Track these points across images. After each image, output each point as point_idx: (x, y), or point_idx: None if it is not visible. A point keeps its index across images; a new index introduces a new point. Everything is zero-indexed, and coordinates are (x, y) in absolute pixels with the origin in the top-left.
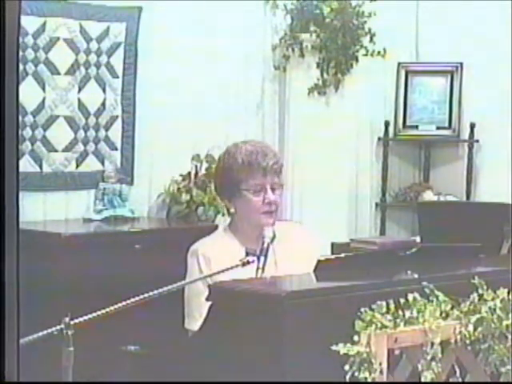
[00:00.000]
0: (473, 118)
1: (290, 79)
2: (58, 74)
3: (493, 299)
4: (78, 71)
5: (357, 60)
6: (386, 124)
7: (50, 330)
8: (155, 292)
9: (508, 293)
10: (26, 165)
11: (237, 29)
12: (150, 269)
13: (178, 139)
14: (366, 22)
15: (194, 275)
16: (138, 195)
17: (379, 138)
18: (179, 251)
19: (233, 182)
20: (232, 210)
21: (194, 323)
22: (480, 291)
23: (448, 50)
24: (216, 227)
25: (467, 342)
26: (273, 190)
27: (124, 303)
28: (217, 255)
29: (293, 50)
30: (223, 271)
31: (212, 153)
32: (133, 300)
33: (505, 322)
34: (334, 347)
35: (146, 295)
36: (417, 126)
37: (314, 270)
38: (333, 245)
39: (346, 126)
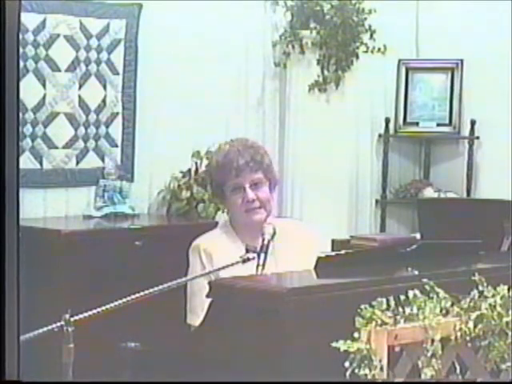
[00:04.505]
0: (473, 115)
1: (291, 76)
2: (59, 70)
3: (493, 296)
4: (78, 68)
5: (357, 57)
6: (387, 121)
7: (50, 327)
8: (155, 289)
9: (508, 290)
10: (27, 161)
11: (237, 26)
12: (151, 265)
13: (178, 136)
14: (366, 18)
15: (196, 271)
16: (138, 192)
17: (379, 135)
18: (179, 248)
19: (215, 184)
20: (226, 210)
21: (197, 319)
22: (480, 288)
23: (448, 47)
24: (216, 224)
25: (467, 338)
26: (254, 186)
27: (124, 300)
28: (218, 251)
29: (293, 46)
30: (223, 268)
31: (212, 150)
32: (133, 297)
33: (505, 319)
34: (334, 344)
35: (146, 292)
36: (417, 123)
37: (315, 267)
38: (333, 241)
39: (346, 123)
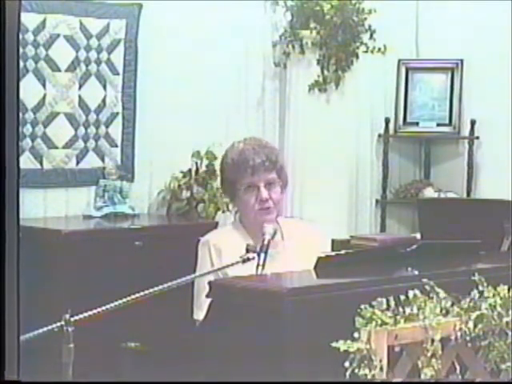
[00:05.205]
0: (473, 115)
1: (291, 76)
2: (59, 70)
3: (493, 296)
4: (78, 68)
5: (357, 57)
6: (387, 121)
7: (50, 327)
8: (155, 289)
9: (508, 290)
10: (27, 161)
11: (237, 26)
12: (151, 265)
13: (178, 136)
14: (366, 18)
15: (204, 265)
16: (138, 192)
17: (379, 135)
18: (179, 248)
19: (228, 181)
20: (235, 208)
21: (203, 314)
22: (480, 288)
23: (448, 47)
24: (216, 224)
25: (467, 338)
26: (268, 186)
27: (124, 300)
28: (227, 247)
29: (293, 46)
30: (223, 268)
31: (212, 149)
32: (133, 297)
33: (505, 319)
34: (334, 344)
35: (146, 292)
36: (417, 123)
37: (315, 267)
38: (333, 241)
39: (346, 123)
